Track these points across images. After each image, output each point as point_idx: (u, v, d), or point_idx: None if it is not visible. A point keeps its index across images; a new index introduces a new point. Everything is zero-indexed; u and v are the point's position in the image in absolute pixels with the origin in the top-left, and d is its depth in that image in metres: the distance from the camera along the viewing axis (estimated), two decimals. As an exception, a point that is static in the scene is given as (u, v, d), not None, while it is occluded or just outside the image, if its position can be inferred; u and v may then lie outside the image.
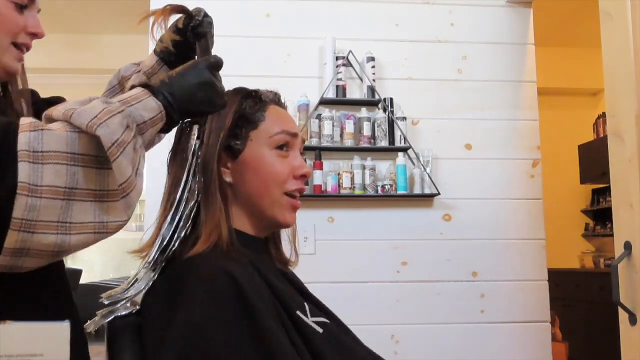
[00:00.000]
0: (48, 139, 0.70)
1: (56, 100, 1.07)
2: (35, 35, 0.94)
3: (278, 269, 1.00)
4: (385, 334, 2.44)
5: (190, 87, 0.83)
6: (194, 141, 0.93)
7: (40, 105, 1.00)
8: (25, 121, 0.72)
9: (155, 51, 1.06)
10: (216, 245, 0.88)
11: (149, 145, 1.02)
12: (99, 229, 0.74)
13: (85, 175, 0.72)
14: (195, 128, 0.94)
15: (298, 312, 0.90)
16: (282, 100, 1.03)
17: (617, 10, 1.43)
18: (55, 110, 0.74)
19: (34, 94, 1.05)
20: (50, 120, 0.74)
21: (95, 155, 0.73)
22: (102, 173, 0.73)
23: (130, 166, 0.74)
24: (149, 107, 0.79)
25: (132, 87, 0.83)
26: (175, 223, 0.91)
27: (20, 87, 0.97)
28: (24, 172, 0.68)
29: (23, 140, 0.69)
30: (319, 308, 0.97)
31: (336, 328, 0.95)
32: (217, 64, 0.87)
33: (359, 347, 0.96)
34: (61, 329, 0.61)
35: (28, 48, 0.94)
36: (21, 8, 0.91)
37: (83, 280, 5.83)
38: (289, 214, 0.97)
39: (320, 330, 0.90)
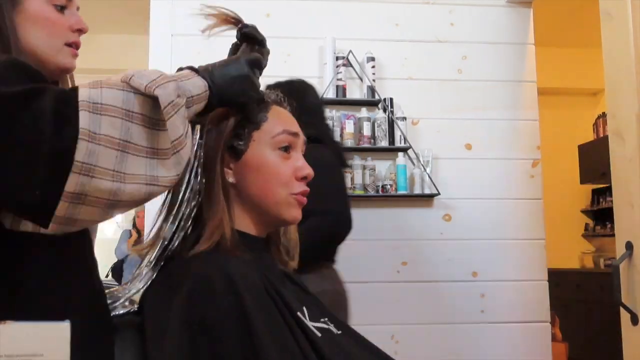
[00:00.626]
0: (107, 94, 0.76)
1: None
2: (81, 31, 0.99)
3: (280, 270, 1.00)
4: (385, 334, 2.44)
5: (229, 78, 0.89)
6: (195, 141, 0.93)
7: None
8: (85, 83, 0.78)
9: None
10: (218, 244, 0.88)
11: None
12: (151, 181, 0.78)
13: (139, 132, 0.77)
14: (198, 128, 0.93)
15: (298, 314, 0.90)
16: (284, 101, 1.02)
17: (617, 10, 1.43)
18: (114, 77, 0.80)
19: None
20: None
21: (149, 116, 0.78)
22: (154, 133, 0.78)
23: (182, 126, 0.79)
24: (197, 85, 0.85)
25: (180, 69, 0.89)
26: (176, 223, 0.91)
27: (70, 85, 1.02)
28: (84, 119, 0.73)
29: (84, 93, 0.75)
30: (320, 312, 0.97)
31: (336, 334, 0.95)
32: (257, 61, 0.95)
33: (361, 352, 0.96)
34: (61, 329, 0.61)
35: (78, 45, 0.99)
36: (61, 9, 0.96)
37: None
38: (295, 211, 0.96)
39: (319, 335, 0.90)
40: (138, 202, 0.79)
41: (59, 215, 0.73)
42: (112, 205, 0.76)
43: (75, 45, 0.98)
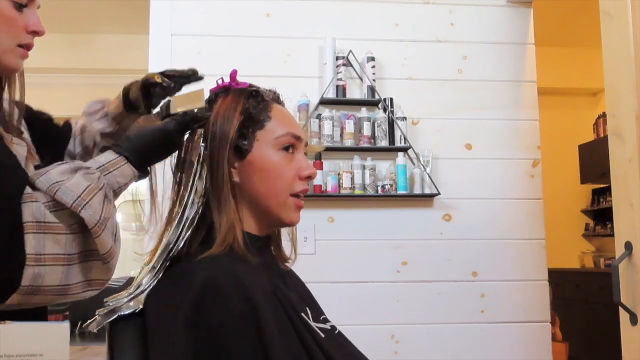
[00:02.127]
0: (47, 211, 0.79)
1: (43, 116, 1.13)
2: (36, 34, 0.94)
3: (280, 270, 1.00)
4: (385, 334, 2.44)
5: (149, 146, 0.92)
6: (200, 145, 0.93)
7: (32, 119, 1.05)
8: (27, 191, 0.79)
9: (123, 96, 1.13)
10: (231, 247, 0.88)
11: None
12: (85, 287, 0.84)
13: (76, 241, 0.81)
14: (201, 132, 0.94)
15: (302, 314, 0.90)
16: (281, 98, 1.03)
17: (617, 10, 1.43)
18: (39, 181, 0.81)
19: (27, 109, 1.07)
20: (34, 188, 0.81)
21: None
22: (87, 235, 0.82)
23: (111, 237, 0.83)
24: (125, 174, 0.89)
25: (104, 148, 0.94)
26: (181, 227, 0.91)
27: (18, 95, 0.98)
28: (30, 243, 0.76)
29: (27, 212, 0.77)
30: (319, 314, 0.97)
31: (335, 333, 0.95)
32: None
33: (355, 349, 0.96)
34: (61, 329, 0.61)
35: (30, 47, 0.94)
36: (20, 7, 0.90)
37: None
38: (294, 214, 0.97)
39: (322, 336, 0.90)
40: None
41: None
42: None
43: (27, 47, 0.94)
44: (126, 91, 1.12)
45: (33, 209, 0.77)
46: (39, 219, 0.77)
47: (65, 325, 0.62)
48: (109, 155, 0.88)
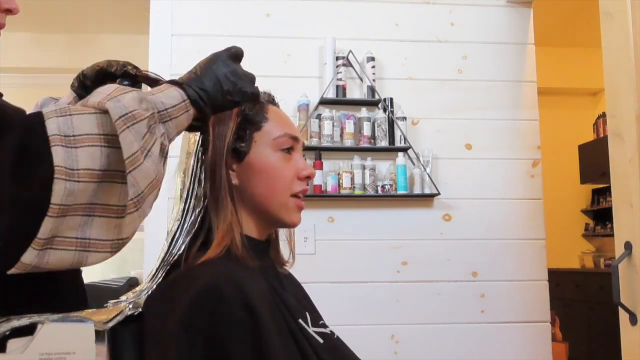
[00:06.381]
0: (78, 122, 0.68)
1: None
2: (9, 12, 0.88)
3: (278, 274, 0.99)
4: (385, 334, 2.44)
5: (215, 79, 0.82)
6: (197, 148, 0.93)
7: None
8: (50, 108, 0.70)
9: (72, 86, 0.98)
10: (228, 250, 0.88)
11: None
12: (121, 213, 0.71)
13: (116, 159, 0.69)
14: (199, 136, 0.93)
15: (300, 321, 0.89)
16: (276, 100, 1.03)
17: (617, 10, 1.43)
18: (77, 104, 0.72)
19: None
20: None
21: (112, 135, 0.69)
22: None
23: (137, 142, 0.69)
24: (171, 95, 0.77)
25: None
26: (183, 231, 0.90)
27: None
28: (58, 156, 0.65)
29: (52, 126, 0.67)
30: (317, 319, 0.97)
31: (335, 338, 0.95)
32: (238, 54, 0.89)
33: (353, 354, 0.96)
34: (89, 329, 0.62)
35: (2, 27, 0.88)
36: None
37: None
38: (295, 215, 0.97)
39: (321, 341, 0.89)
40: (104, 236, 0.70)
41: (25, 263, 0.64)
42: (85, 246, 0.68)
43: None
44: (74, 87, 0.97)
45: (59, 122, 0.67)
46: (67, 132, 0.67)
47: (92, 324, 0.63)
48: (173, 95, 0.77)
